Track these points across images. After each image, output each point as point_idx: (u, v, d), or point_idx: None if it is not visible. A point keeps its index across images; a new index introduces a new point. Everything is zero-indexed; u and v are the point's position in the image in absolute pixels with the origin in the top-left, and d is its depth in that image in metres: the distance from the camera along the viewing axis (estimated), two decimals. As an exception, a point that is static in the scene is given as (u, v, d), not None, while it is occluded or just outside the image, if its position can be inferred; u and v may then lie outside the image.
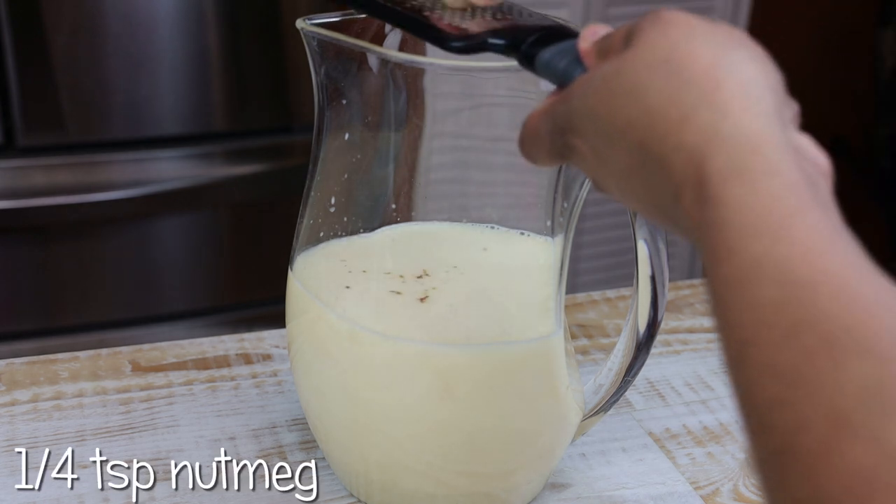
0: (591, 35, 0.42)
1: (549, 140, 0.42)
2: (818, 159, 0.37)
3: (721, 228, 0.33)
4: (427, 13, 0.48)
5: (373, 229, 0.61)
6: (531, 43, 0.45)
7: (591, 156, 0.39)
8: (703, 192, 0.34)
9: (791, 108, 0.37)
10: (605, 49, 0.41)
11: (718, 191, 0.33)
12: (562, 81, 0.43)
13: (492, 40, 0.46)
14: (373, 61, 0.53)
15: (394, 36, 0.57)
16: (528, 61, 0.45)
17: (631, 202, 0.40)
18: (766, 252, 0.32)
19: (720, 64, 0.36)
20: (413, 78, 0.55)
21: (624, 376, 0.59)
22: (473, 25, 0.47)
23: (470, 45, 0.46)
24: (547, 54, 0.44)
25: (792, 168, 0.34)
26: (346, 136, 0.57)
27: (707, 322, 0.80)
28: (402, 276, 0.57)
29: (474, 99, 0.58)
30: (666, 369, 0.74)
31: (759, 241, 0.32)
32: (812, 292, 0.31)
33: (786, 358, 0.30)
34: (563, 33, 0.45)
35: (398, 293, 0.56)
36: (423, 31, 0.47)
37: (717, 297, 0.33)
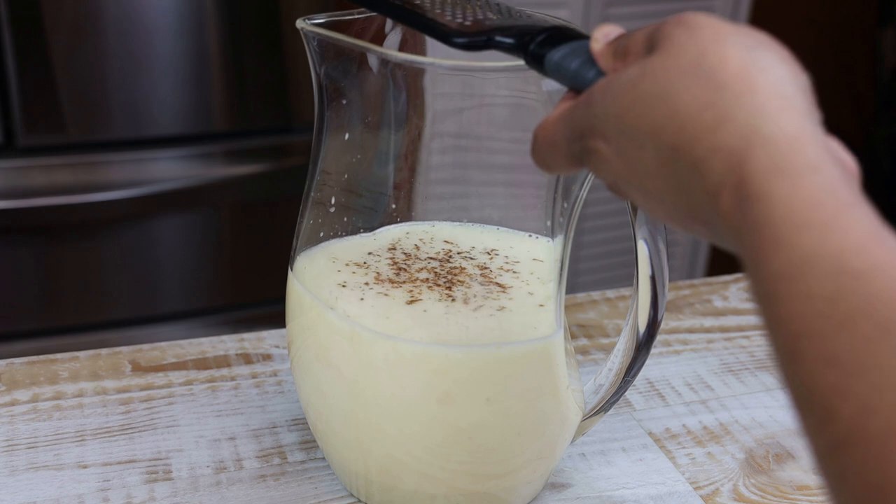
0: (603, 36, 0.42)
1: (566, 146, 0.42)
2: (846, 161, 0.37)
3: (767, 224, 0.33)
4: (430, 9, 0.47)
5: (373, 229, 0.61)
6: (540, 42, 0.44)
7: (614, 159, 0.39)
8: (745, 191, 0.34)
9: (818, 112, 0.37)
10: (623, 51, 0.41)
11: (762, 188, 0.34)
12: (573, 83, 0.42)
13: (499, 38, 0.45)
14: (373, 61, 0.53)
15: (394, 36, 0.57)
16: (536, 61, 0.44)
17: (655, 206, 0.39)
18: (817, 244, 0.32)
19: (752, 66, 0.36)
20: (413, 78, 0.55)
21: (624, 376, 0.59)
22: (479, 24, 0.46)
23: (475, 41, 0.45)
24: (557, 55, 0.43)
25: (831, 165, 0.34)
26: (346, 136, 0.57)
27: (707, 322, 0.80)
28: (401, 277, 0.57)
29: (474, 99, 0.58)
30: (666, 369, 0.74)
31: (809, 234, 0.32)
32: (867, 282, 0.31)
33: (844, 347, 0.31)
34: (570, 34, 0.45)
35: (398, 293, 0.56)
36: (427, 27, 0.46)
37: (766, 293, 0.33)
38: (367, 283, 0.57)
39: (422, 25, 0.47)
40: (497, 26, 0.46)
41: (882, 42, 2.07)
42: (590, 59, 0.42)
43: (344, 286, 0.57)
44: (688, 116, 0.36)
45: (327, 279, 0.57)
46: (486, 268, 0.59)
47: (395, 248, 0.60)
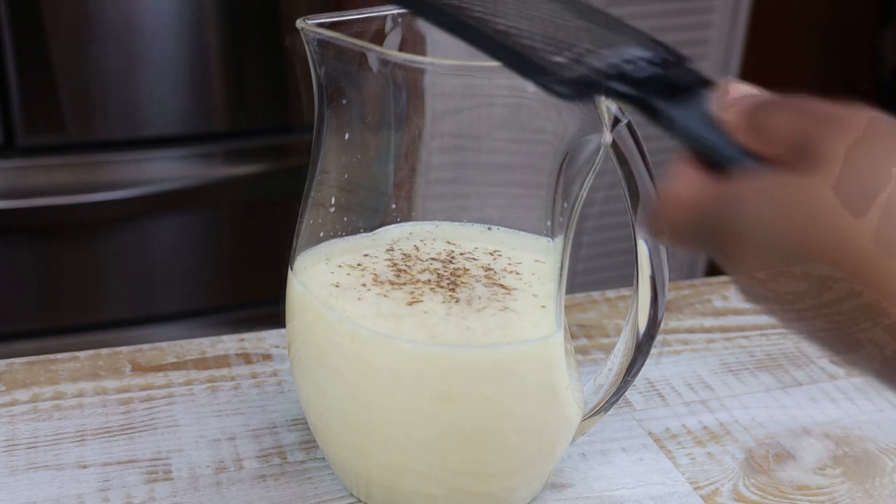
0: (732, 103, 0.37)
1: (694, 234, 0.38)
2: None
3: None
4: (516, 38, 0.39)
5: (373, 229, 0.61)
6: (661, 95, 0.38)
7: (753, 265, 0.36)
8: None
9: None
10: (762, 132, 0.36)
11: None
12: (704, 151, 0.37)
13: (612, 85, 0.38)
14: (373, 61, 0.53)
15: (394, 36, 0.57)
16: (657, 117, 0.38)
17: (785, 311, 0.37)
18: None
19: None
20: (413, 78, 0.55)
21: (624, 376, 0.59)
22: (577, 58, 0.39)
23: (582, 91, 0.38)
24: (686, 118, 0.38)
25: None
26: (346, 136, 0.57)
27: (707, 322, 0.80)
28: (402, 277, 0.57)
29: (474, 99, 0.58)
30: (666, 369, 0.74)
31: None
32: None
33: None
34: (685, 76, 0.39)
35: (398, 293, 0.56)
36: (518, 63, 0.38)
37: None
38: (366, 284, 0.57)
39: (510, 59, 0.39)
40: (599, 69, 0.38)
41: (882, 42, 2.07)
42: (725, 133, 0.37)
43: (343, 286, 0.57)
44: (852, 242, 0.33)
45: (327, 279, 0.57)
46: (490, 269, 0.59)
47: (395, 248, 0.60)
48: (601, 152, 0.54)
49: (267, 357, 0.72)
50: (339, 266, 0.58)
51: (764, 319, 0.80)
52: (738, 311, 0.81)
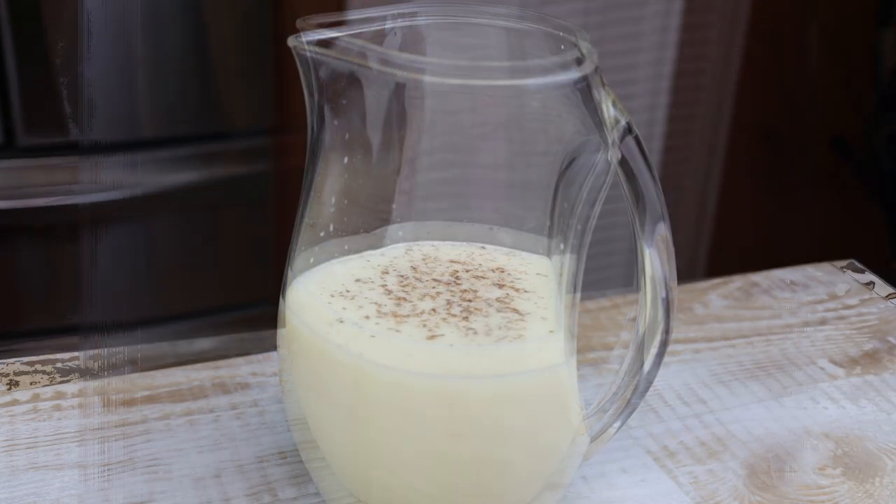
0: None
1: None
2: None
3: None
4: None
5: (373, 229, 0.61)
6: None
7: None
8: None
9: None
10: None
11: None
12: None
13: None
14: (373, 61, 0.53)
15: (394, 36, 0.57)
16: None
17: None
18: None
19: None
20: (413, 78, 0.55)
21: (624, 377, 0.59)
22: None
23: None
24: None
25: None
26: (346, 136, 0.57)
27: (692, 332, 0.80)
28: (401, 276, 0.57)
29: (475, 99, 0.57)
30: (666, 372, 0.73)
31: None
32: None
33: None
34: None
35: (398, 292, 0.56)
36: None
37: None
38: (366, 283, 0.57)
39: None
40: None
41: (882, 42, 2.07)
42: None
43: (343, 287, 0.57)
44: None
45: (327, 280, 0.57)
46: (486, 268, 0.59)
47: (394, 248, 0.60)
48: (601, 153, 0.54)
49: (245, 386, 0.69)
50: (338, 266, 0.58)
51: (764, 324, 0.80)
52: (720, 318, 0.81)
